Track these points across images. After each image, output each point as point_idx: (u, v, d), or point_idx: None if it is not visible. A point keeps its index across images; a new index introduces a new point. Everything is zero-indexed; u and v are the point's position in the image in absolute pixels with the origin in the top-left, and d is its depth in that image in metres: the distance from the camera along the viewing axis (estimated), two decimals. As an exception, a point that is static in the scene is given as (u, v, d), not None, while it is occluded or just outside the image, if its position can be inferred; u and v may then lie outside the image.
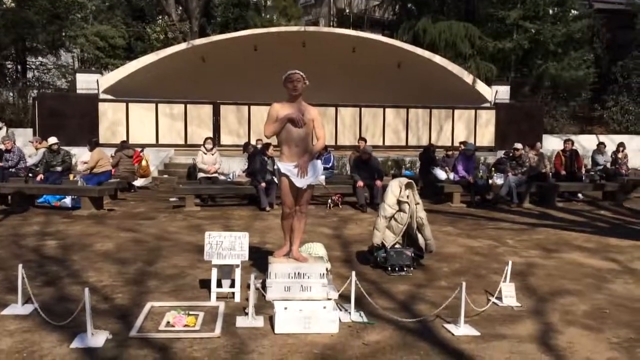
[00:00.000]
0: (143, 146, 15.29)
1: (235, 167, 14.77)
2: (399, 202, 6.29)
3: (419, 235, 6.39)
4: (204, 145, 11.45)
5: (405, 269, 6.16)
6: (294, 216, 5.39)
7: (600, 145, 14.48)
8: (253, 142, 13.32)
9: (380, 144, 20.15)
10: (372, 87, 20.99)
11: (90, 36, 23.74)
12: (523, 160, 11.84)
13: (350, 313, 4.75)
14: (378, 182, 10.60)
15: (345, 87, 20.79)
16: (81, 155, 12.60)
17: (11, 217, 9.17)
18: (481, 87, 20.96)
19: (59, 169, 11.26)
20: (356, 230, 8.51)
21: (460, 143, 14.06)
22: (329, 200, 10.66)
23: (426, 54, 20.26)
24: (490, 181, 11.73)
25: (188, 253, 6.83)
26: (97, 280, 5.66)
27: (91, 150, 11.87)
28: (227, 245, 5.20)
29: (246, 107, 19.01)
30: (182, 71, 19.11)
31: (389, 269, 6.15)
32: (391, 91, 20.95)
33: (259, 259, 6.21)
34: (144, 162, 13.46)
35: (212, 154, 11.53)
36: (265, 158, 10.72)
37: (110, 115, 18.19)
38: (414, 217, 6.28)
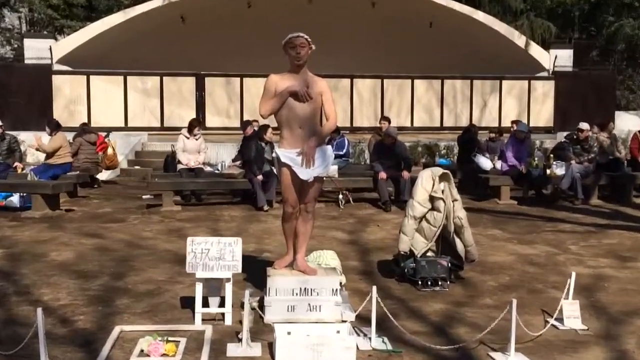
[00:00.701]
0: (109, 130, 15.37)
1: (224, 155, 14.83)
2: (432, 199, 6.28)
3: (457, 241, 6.39)
4: (189, 129, 11.50)
5: (439, 283, 6.16)
6: (298, 217, 5.41)
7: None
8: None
9: (408, 124, 20.15)
10: (397, 52, 20.96)
11: (42, -9, 23.87)
12: (590, 145, 11.77)
13: (370, 339, 4.76)
14: (405, 174, 10.61)
15: (362, 53, 20.77)
16: (32, 141, 12.68)
17: (-55, 220, 9.29)
18: (536, 51, 20.86)
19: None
20: (378, 235, 8.52)
21: (513, 122, 14.00)
22: (340, 196, 10.69)
23: (465, 9, 20.20)
24: (548, 171, 11.69)
25: (166, 264, 6.89)
26: (52, 298, 5.71)
27: (51, 134, 11.92)
28: (215, 254, 5.22)
29: (238, 80, 19.08)
30: (156, 35, 19.20)
31: (420, 282, 6.16)
32: (422, 57, 20.91)
33: (255, 271, 6.24)
34: (109, 150, 13.52)
35: (197, 139, 11.57)
36: (262, 144, 10.74)
37: (67, 91, 18.32)
38: (451, 218, 6.27)
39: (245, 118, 16.80)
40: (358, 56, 20.69)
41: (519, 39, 20.45)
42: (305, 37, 5.21)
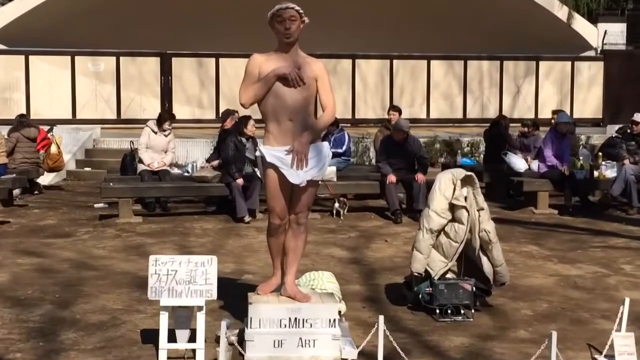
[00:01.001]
0: (52, 123, 15.35)
1: (196, 154, 14.83)
2: (453, 207, 6.29)
3: (484, 259, 6.40)
4: (158, 122, 11.49)
5: (462, 311, 6.16)
6: (287, 231, 5.41)
7: None
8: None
9: (423, 116, 20.20)
10: (409, 26, 21.01)
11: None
12: (648, 141, 11.81)
13: (376, 381, 4.76)
14: (419, 177, 10.63)
15: (367, 28, 20.82)
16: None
17: None
18: (581, 25, 20.95)
19: None
20: (386, 252, 8.53)
21: (553, 113, 14.04)
22: (336, 205, 10.71)
23: (494, -27, 20.30)
24: (595, 173, 11.71)
25: (123, 289, 6.87)
26: (-18, 331, 5.70)
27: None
28: (184, 277, 5.21)
29: (212, 61, 19.10)
30: (112, 5, 19.19)
31: (437, 311, 6.16)
32: (440, 33, 20.97)
33: (233, 297, 6.23)
34: (53, 148, 13.50)
35: (166, 136, 11.59)
36: (243, 140, 10.75)
37: (0, 75, 18.29)
38: (476, 231, 6.28)
39: (223, 107, 16.81)
40: (361, 31, 20.74)
41: (560, 10, 20.53)
42: (296, 8, 5.22)
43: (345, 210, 10.74)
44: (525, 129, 13.17)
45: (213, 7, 20.36)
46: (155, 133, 11.50)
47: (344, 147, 12.52)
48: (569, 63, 20.77)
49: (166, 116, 11.75)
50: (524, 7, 20.25)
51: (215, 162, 11.38)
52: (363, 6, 20.77)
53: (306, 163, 5.19)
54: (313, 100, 5.32)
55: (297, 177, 5.19)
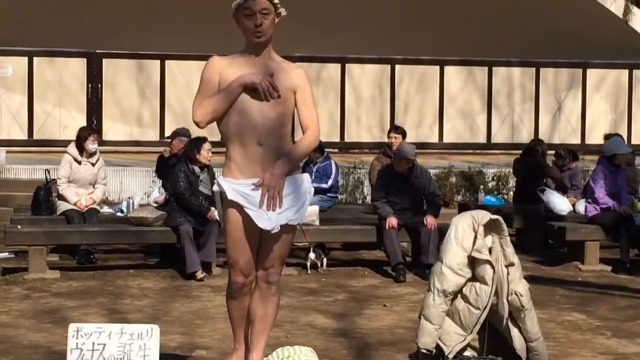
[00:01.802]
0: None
1: (133, 187, 14.77)
2: (473, 262, 6.29)
3: (514, 332, 6.38)
4: (78, 146, 11.45)
5: (485, 401, 6.14)
6: (253, 292, 5.40)
7: None
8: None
9: (435, 139, 20.29)
10: (416, 22, 21.17)
11: None
12: None
13: None
14: (429, 220, 10.64)
15: (361, 23, 20.96)
16: None
17: None
18: (641, 23, 21.15)
19: None
20: (384, 320, 8.50)
21: (606, 138, 14.07)
22: (311, 255, 10.67)
23: (528, -45, 20.52)
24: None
25: (33, 368, 6.79)
26: None
27: None
28: (115, 353, 5.18)
29: (156, 63, 19.12)
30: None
31: (453, 401, 6.14)
32: (457, 31, 21.13)
33: (181, 380, 6.19)
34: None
35: (93, 164, 11.54)
36: (195, 169, 10.74)
37: None
38: (504, 294, 6.27)
39: (169, 126, 16.82)
40: (353, 28, 20.85)
41: (614, 3, 20.74)
42: (270, -3, 5.27)
43: (324, 264, 10.69)
44: (561, 162, 13.24)
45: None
46: (79, 162, 11.44)
47: (330, 181, 12.53)
48: (625, 72, 20.98)
49: (85, 133, 11.61)
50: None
51: (161, 198, 11.34)
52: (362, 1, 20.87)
53: (280, 202, 5.19)
54: (290, 118, 5.35)
55: (268, 221, 5.19)
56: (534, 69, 20.72)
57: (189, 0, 19.48)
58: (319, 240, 11.08)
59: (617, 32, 20.70)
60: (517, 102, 20.74)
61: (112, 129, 18.83)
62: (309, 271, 10.69)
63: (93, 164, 11.54)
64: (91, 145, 11.46)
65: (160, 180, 12.31)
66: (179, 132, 12.01)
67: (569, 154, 13.44)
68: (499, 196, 15.60)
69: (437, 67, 20.31)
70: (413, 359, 6.58)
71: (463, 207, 12.84)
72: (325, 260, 10.85)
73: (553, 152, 14.91)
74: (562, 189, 12.91)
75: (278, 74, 5.26)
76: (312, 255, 10.74)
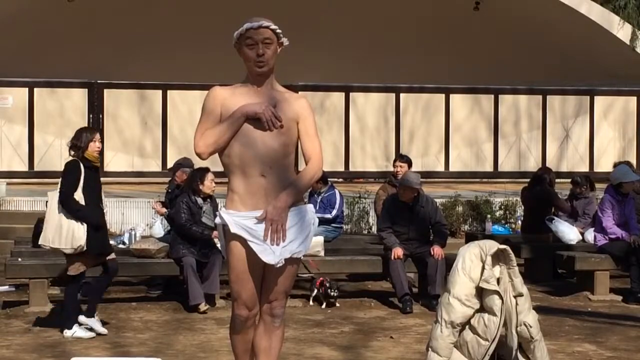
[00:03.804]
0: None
1: (134, 218, 14.74)
2: (482, 293, 6.27)
3: (524, 363, 6.36)
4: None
5: None
6: (257, 325, 5.38)
7: None
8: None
9: (441, 168, 20.26)
10: (423, 50, 21.23)
11: None
12: None
13: None
14: (436, 250, 10.62)
15: (365, 51, 21.03)
16: None
17: None
18: (649, 49, 21.18)
19: None
20: (391, 353, 8.47)
21: (615, 166, 14.06)
22: (315, 288, 10.61)
23: (534, -19, 20.61)
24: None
25: (34, 404, 6.78)
26: None
27: None
28: (118, 388, 5.16)
29: (158, 93, 19.13)
30: (24, 20, 19.28)
31: None
32: (463, 58, 21.20)
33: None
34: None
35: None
36: (198, 200, 10.73)
37: None
38: (513, 325, 6.25)
39: (171, 156, 16.84)
40: (358, 56, 20.94)
41: (621, 30, 20.81)
42: (272, 26, 5.27)
43: (335, 296, 10.60)
44: (578, 189, 13.19)
45: (159, 24, 20.49)
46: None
47: (335, 211, 12.52)
48: (633, 98, 20.97)
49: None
50: (573, 25, 20.49)
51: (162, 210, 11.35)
52: (359, 23, 20.96)
53: (284, 235, 5.18)
54: (293, 149, 5.35)
55: (272, 254, 5.17)
56: (540, 97, 20.71)
57: (190, 30, 19.60)
58: (322, 270, 11.04)
59: (624, 59, 20.74)
60: (524, 130, 20.73)
61: (114, 160, 18.83)
62: (318, 304, 10.56)
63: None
64: None
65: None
66: (182, 163, 12.00)
67: (586, 181, 13.38)
68: (506, 225, 15.56)
69: (443, 95, 20.31)
70: (420, 392, 6.55)
71: (470, 237, 12.81)
72: (335, 294, 10.75)
73: (564, 180, 14.90)
74: (574, 216, 12.87)
75: (281, 104, 5.25)
76: (315, 288, 10.61)
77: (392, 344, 8.86)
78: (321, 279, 10.78)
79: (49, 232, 8.92)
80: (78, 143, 8.88)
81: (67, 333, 8.78)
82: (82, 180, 8.82)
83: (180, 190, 11.23)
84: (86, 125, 18.60)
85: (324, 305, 10.58)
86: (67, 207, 8.79)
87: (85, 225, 8.74)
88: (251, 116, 5.17)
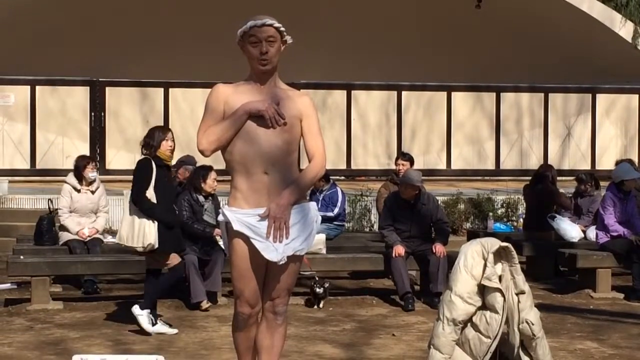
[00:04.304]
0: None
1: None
2: (483, 290, 6.28)
3: (526, 360, 6.37)
4: (77, 175, 11.46)
5: None
6: (260, 322, 5.39)
7: None
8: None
9: (443, 166, 20.26)
10: (424, 48, 21.22)
11: None
12: None
13: None
14: (438, 248, 10.61)
15: (367, 49, 21.02)
16: None
17: None
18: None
19: None
20: (393, 350, 8.47)
21: (617, 164, 14.05)
22: (318, 289, 10.40)
23: (535, -21, 20.59)
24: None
25: (37, 401, 6.78)
26: None
27: None
28: (121, 385, 5.16)
29: (159, 91, 19.12)
30: (26, 17, 19.26)
31: None
32: (464, 57, 21.18)
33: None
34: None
35: (93, 192, 11.54)
36: (200, 198, 10.73)
37: None
38: (514, 322, 6.26)
39: (175, 153, 16.78)
40: (359, 54, 20.93)
41: (623, 27, 20.79)
42: (276, 24, 5.27)
43: (322, 295, 10.42)
44: (582, 187, 13.18)
45: (161, 22, 20.48)
46: (78, 191, 11.43)
47: (337, 209, 12.52)
48: (635, 96, 20.96)
49: (83, 162, 11.59)
50: (575, 23, 20.48)
51: None
52: (361, 21, 20.94)
53: (287, 233, 5.19)
54: (296, 146, 5.36)
55: (275, 252, 5.18)
56: (542, 94, 20.69)
57: (192, 27, 19.59)
58: (319, 268, 11.04)
59: (626, 57, 20.73)
60: (525, 128, 20.72)
61: (116, 158, 18.82)
62: (320, 305, 10.49)
63: (93, 192, 11.51)
64: (90, 173, 11.44)
65: None
66: (185, 161, 12.01)
67: (591, 179, 13.36)
68: (508, 223, 15.57)
69: (445, 93, 20.30)
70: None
71: (472, 235, 12.82)
72: (325, 292, 10.63)
73: (565, 178, 14.88)
74: (578, 214, 12.87)
75: (284, 102, 5.26)
76: (319, 289, 10.50)
77: (394, 341, 8.85)
78: (318, 279, 10.68)
79: (123, 230, 8.99)
80: (150, 142, 8.94)
81: (150, 329, 8.80)
82: (154, 179, 8.84)
83: (182, 187, 11.22)
84: (89, 123, 18.73)
85: (315, 306, 10.44)
86: (139, 205, 8.83)
87: (156, 223, 8.77)
88: (254, 113, 5.18)
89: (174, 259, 9.04)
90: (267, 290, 5.34)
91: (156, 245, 8.80)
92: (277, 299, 5.36)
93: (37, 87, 18.75)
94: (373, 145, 19.96)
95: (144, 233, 8.77)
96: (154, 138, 8.95)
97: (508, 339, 6.30)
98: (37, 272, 10.37)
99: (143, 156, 9.04)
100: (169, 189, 9.21)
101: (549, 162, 19.03)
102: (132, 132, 19.03)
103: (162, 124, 18.94)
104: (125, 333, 9.06)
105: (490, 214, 15.69)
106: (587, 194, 13.09)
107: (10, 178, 17.72)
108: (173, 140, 9.17)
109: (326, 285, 10.52)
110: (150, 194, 8.84)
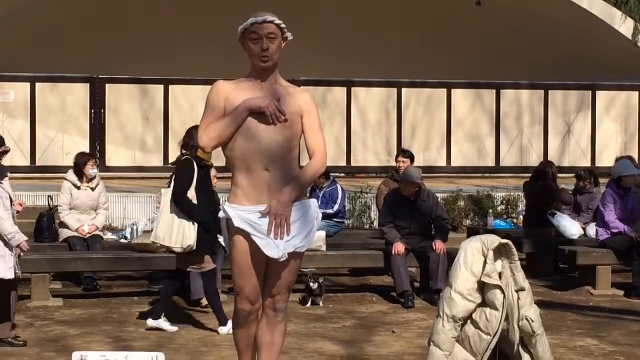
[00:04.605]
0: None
1: (136, 213, 14.73)
2: (483, 287, 6.28)
3: (526, 357, 6.35)
4: (77, 172, 11.47)
5: None
6: (260, 320, 5.39)
7: None
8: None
9: (443, 163, 20.26)
10: (424, 45, 21.21)
11: None
12: None
13: None
14: (438, 245, 10.61)
15: (367, 46, 21.01)
16: None
17: None
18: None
19: None
20: (393, 347, 8.48)
21: (617, 160, 14.06)
22: (313, 284, 10.38)
23: (535, -23, 20.58)
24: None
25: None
26: None
27: None
28: (121, 382, 5.17)
29: (160, 88, 19.12)
30: (26, 15, 19.25)
31: None
32: (464, 54, 21.18)
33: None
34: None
35: (93, 189, 11.54)
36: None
37: None
38: (514, 319, 6.26)
39: (173, 151, 16.83)
40: (359, 51, 20.92)
41: (624, 25, 20.79)
42: (277, 21, 5.27)
43: (317, 290, 10.38)
44: (582, 184, 13.18)
45: (161, 19, 20.47)
46: (78, 188, 11.43)
47: (337, 206, 12.52)
48: (635, 94, 20.96)
49: (84, 159, 11.59)
50: (575, 20, 20.48)
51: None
52: (361, 18, 20.92)
53: (288, 230, 5.19)
54: (297, 143, 5.35)
55: (276, 249, 5.18)
56: (542, 92, 20.70)
57: (192, 24, 19.58)
58: (326, 266, 11.05)
59: (626, 54, 20.73)
60: (526, 125, 20.72)
61: (116, 155, 18.83)
62: (320, 303, 10.45)
63: (93, 189, 11.51)
64: (91, 170, 11.44)
65: None
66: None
67: (590, 176, 13.36)
68: (508, 220, 15.56)
69: (445, 90, 20.29)
70: (423, 387, 6.56)
71: (472, 232, 12.81)
72: (320, 289, 10.59)
73: (566, 175, 14.86)
74: (577, 211, 12.88)
75: (285, 99, 5.26)
76: (314, 284, 10.44)
77: (394, 338, 8.85)
78: (313, 277, 10.62)
79: (160, 229, 8.92)
80: (191, 142, 8.84)
81: (223, 330, 8.77)
82: (195, 180, 8.81)
83: None
84: (89, 120, 18.73)
85: (309, 304, 10.37)
86: (180, 205, 8.76)
87: (196, 225, 8.74)
88: (255, 110, 5.18)
89: (209, 263, 9.02)
90: (267, 287, 5.34)
91: (195, 247, 8.78)
92: (278, 296, 5.36)
93: (37, 84, 18.75)
94: (373, 143, 19.96)
95: (184, 234, 8.72)
96: (193, 138, 8.84)
97: (508, 336, 6.30)
98: (37, 269, 10.37)
99: (184, 156, 8.96)
100: (208, 190, 9.14)
101: (549, 159, 19.02)
102: (132, 129, 19.04)
103: (162, 120, 19.00)
104: (125, 330, 9.07)
105: (491, 211, 15.69)
106: (587, 191, 13.09)
107: (10, 175, 17.65)
108: None
109: (321, 280, 10.47)
110: (192, 194, 8.78)
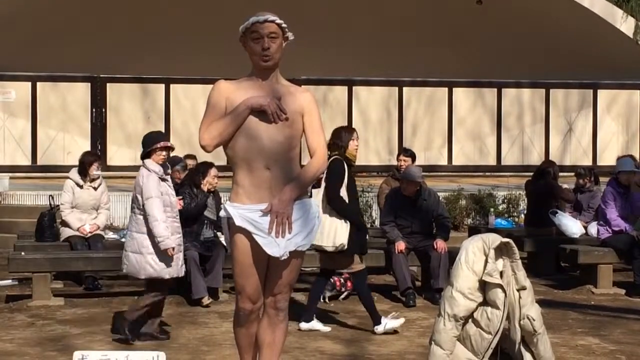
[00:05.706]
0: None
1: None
2: (485, 286, 6.28)
3: (527, 356, 6.37)
4: (81, 171, 11.47)
5: None
6: (261, 318, 5.40)
7: None
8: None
9: (444, 162, 20.25)
10: (425, 44, 21.20)
11: None
12: None
13: None
14: (439, 244, 10.61)
15: (368, 44, 21.00)
16: None
17: None
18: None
19: None
20: (394, 346, 8.48)
21: (618, 159, 14.04)
22: (337, 282, 10.55)
23: (535, -24, 20.57)
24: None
25: (38, 397, 6.79)
26: None
27: None
28: (122, 381, 5.17)
29: (161, 87, 19.14)
30: (27, 14, 19.26)
31: None
32: (465, 53, 21.16)
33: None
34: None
35: (95, 188, 11.54)
36: (199, 194, 10.72)
37: None
38: (516, 318, 6.27)
39: (176, 150, 16.81)
40: (361, 50, 20.91)
41: (625, 23, 20.76)
42: (278, 21, 5.28)
43: (331, 296, 10.47)
44: (582, 181, 13.18)
45: (162, 18, 20.46)
46: (81, 187, 11.44)
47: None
48: (637, 92, 20.96)
49: (90, 159, 11.59)
50: (576, 19, 20.44)
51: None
52: (362, 17, 20.90)
53: (289, 228, 5.20)
54: (298, 142, 5.36)
55: (277, 247, 5.19)
56: (544, 90, 20.71)
57: (193, 23, 19.56)
58: (327, 266, 11.03)
59: (627, 52, 20.71)
60: (527, 124, 20.72)
61: (117, 154, 18.85)
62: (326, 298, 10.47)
63: (95, 189, 11.52)
64: (95, 171, 11.45)
65: None
66: (174, 161, 11.83)
67: (590, 173, 13.36)
68: (509, 219, 15.56)
69: (446, 89, 20.31)
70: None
71: (473, 231, 12.82)
72: (345, 289, 10.67)
73: (567, 174, 14.85)
74: (578, 209, 12.87)
75: (285, 98, 5.27)
76: (336, 281, 10.46)
77: (395, 337, 8.85)
78: (337, 278, 10.63)
79: None
80: (338, 142, 8.81)
81: (379, 328, 8.83)
82: (346, 179, 8.78)
83: (180, 184, 11.18)
84: (90, 119, 18.74)
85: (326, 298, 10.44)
86: (334, 205, 8.72)
87: (348, 224, 8.71)
88: (256, 109, 5.19)
89: (358, 264, 8.99)
90: (268, 286, 5.35)
91: (346, 246, 8.75)
92: (279, 294, 5.36)
93: (38, 83, 18.77)
94: (374, 141, 19.96)
95: (336, 233, 8.67)
96: (341, 138, 8.84)
97: (509, 334, 6.31)
98: (38, 268, 10.38)
99: (334, 156, 8.91)
100: (355, 189, 9.09)
101: (550, 158, 19.01)
102: (133, 128, 19.04)
103: (163, 119, 19.01)
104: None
105: (492, 209, 15.69)
106: (587, 190, 13.09)
107: (11, 174, 17.73)
108: (358, 139, 9.09)
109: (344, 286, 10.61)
110: (343, 193, 8.76)
